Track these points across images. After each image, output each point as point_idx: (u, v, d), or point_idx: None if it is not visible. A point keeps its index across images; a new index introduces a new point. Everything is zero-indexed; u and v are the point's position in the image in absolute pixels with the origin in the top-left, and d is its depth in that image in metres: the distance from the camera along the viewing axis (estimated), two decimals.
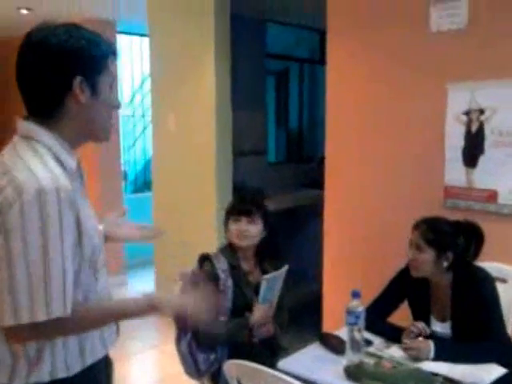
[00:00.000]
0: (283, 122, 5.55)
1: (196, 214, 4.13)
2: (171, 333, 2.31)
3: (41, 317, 1.16)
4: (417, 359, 1.95)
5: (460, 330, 2.13)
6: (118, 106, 1.37)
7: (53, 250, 1.16)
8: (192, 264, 2.42)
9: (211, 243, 3.88)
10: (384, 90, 2.94)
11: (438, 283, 2.18)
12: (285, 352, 2.26)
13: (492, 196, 2.59)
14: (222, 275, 2.23)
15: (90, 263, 1.29)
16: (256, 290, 2.25)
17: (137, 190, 6.37)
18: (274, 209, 4.17)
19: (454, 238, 2.15)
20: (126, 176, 6.11)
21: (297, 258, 3.61)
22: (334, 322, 2.93)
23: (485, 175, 2.61)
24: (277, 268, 2.25)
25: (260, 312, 2.20)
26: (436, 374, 1.84)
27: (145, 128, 6.47)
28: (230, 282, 2.23)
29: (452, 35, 2.66)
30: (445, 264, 2.11)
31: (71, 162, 1.28)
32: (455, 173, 2.70)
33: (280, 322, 2.33)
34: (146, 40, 5.02)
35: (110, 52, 1.31)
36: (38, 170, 1.17)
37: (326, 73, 3.20)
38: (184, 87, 4.09)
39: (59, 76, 1.23)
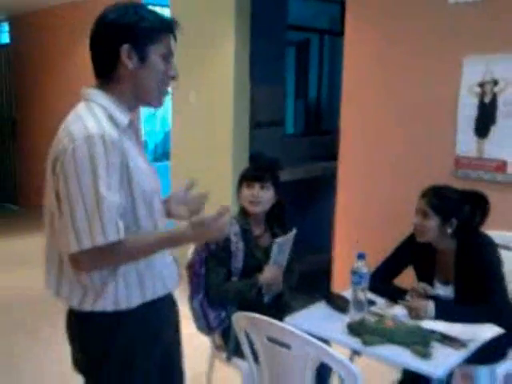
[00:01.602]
0: (302, 93, 5.56)
1: (213, 183, 4.19)
2: (184, 295, 2.42)
3: (100, 241, 1.35)
4: (417, 318, 2.04)
5: (462, 292, 2.21)
6: (173, 77, 1.53)
7: (101, 184, 1.34)
8: None
9: (229, 214, 3.99)
10: (400, 61, 2.97)
11: (443, 248, 2.26)
12: (293, 311, 2.36)
13: (501, 166, 2.63)
14: (233, 238, 2.32)
15: (145, 207, 1.46)
16: (266, 252, 2.34)
17: (156, 159, 6.51)
18: (287, 179, 4.26)
19: (459, 205, 2.22)
20: (146, 145, 6.26)
21: (309, 228, 3.70)
22: (342, 286, 3.03)
23: (495, 146, 2.65)
24: (286, 232, 2.35)
25: (270, 272, 2.30)
26: (434, 332, 1.92)
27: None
28: (241, 245, 2.33)
29: (469, 7, 2.67)
30: (449, 230, 2.19)
31: (123, 119, 1.46)
32: (466, 143, 2.75)
33: (290, 283, 2.44)
34: (167, 11, 5.09)
35: (165, 27, 1.49)
36: (88, 123, 1.38)
37: (343, 43, 3.24)
38: (204, 61, 4.15)
39: (109, 44, 1.45)
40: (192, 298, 2.31)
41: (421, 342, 1.85)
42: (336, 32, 5.57)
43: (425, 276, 2.34)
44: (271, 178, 2.41)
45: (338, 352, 1.60)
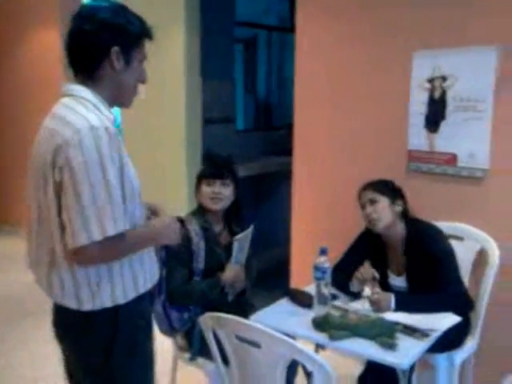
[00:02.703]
0: (251, 89, 5.57)
1: (166, 181, 4.17)
2: None
3: (110, 231, 1.37)
4: (379, 310, 2.08)
5: (414, 282, 2.29)
6: (143, 81, 1.62)
7: (109, 174, 1.37)
8: None
9: (182, 209, 3.95)
10: (351, 57, 3.01)
11: (393, 240, 2.34)
12: (255, 310, 2.35)
13: (451, 159, 2.71)
14: (194, 237, 2.30)
15: (132, 204, 1.48)
16: (226, 250, 2.33)
17: None
18: (242, 175, 4.25)
19: (395, 187, 2.39)
20: None
21: (265, 224, 3.71)
22: (300, 282, 3.05)
23: (445, 139, 2.73)
24: (243, 229, 2.35)
25: (232, 271, 2.28)
26: (397, 323, 1.97)
27: None
28: (202, 244, 2.30)
29: (417, 3, 2.73)
30: (398, 209, 2.31)
31: (109, 114, 1.50)
32: (418, 138, 2.81)
33: (249, 277, 2.43)
34: None
35: (146, 34, 1.58)
36: (87, 115, 1.42)
37: (294, 39, 3.25)
38: (154, 56, 4.06)
39: (102, 43, 1.48)
40: (153, 300, 2.27)
41: (386, 334, 1.89)
42: (284, 28, 5.62)
43: (379, 268, 2.39)
44: (230, 174, 2.40)
45: (309, 349, 1.61)
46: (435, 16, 2.68)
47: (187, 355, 2.30)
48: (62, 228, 1.39)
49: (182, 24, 3.86)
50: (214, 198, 2.35)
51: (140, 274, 1.53)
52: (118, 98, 1.57)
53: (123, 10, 1.56)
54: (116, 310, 1.48)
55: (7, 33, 5.89)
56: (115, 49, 1.49)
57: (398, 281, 2.34)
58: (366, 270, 2.24)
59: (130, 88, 1.58)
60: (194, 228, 2.32)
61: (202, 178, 2.41)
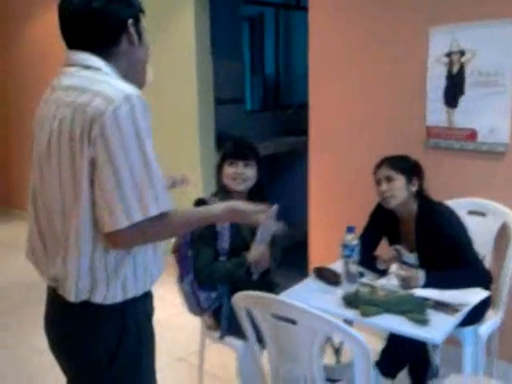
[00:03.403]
0: (259, 69, 5.52)
1: (180, 161, 4.15)
2: (170, 279, 2.40)
3: (153, 211, 1.24)
4: (407, 287, 2.09)
5: (425, 259, 2.30)
6: (148, 57, 1.48)
7: (148, 149, 1.25)
8: (181, 207, 2.49)
9: (197, 189, 3.95)
10: (367, 33, 2.98)
11: (405, 216, 2.35)
12: (280, 289, 2.37)
13: (471, 135, 2.70)
14: None
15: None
16: (251, 229, 2.33)
17: None
18: None
19: (414, 165, 2.37)
20: None
21: (277, 203, 3.71)
22: (319, 259, 3.07)
23: (465, 115, 2.71)
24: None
25: (257, 251, 2.28)
26: (427, 299, 1.98)
27: None
28: (226, 224, 2.30)
29: None
30: (413, 188, 2.30)
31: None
32: (437, 113, 2.80)
33: (274, 257, 2.43)
34: None
35: (141, 6, 1.44)
36: (118, 84, 1.29)
37: (304, 17, 3.21)
38: (163, 36, 4.03)
39: (118, 16, 1.35)
40: (182, 279, 2.28)
41: (416, 310, 1.90)
42: (291, 5, 5.55)
43: (394, 244, 2.43)
44: (253, 155, 2.39)
45: (347, 326, 1.62)
46: None
47: (216, 334, 2.32)
48: (93, 209, 1.26)
49: (190, 3, 3.82)
50: (236, 178, 2.34)
51: (152, 266, 1.40)
52: (135, 77, 1.42)
53: None
54: (125, 304, 1.36)
55: (15, 12, 5.82)
56: (130, 21, 1.36)
57: (410, 258, 2.36)
58: (389, 250, 2.26)
59: (143, 66, 1.45)
60: None
61: (224, 158, 2.40)
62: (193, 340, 2.59)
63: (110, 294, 1.33)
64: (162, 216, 1.27)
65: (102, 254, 1.30)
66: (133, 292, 1.37)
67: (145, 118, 1.26)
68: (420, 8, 2.76)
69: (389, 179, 2.30)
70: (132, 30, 1.37)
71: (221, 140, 4.19)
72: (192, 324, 2.59)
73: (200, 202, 2.38)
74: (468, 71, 2.67)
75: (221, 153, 2.49)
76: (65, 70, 1.38)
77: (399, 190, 2.28)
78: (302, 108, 3.45)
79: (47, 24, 5.16)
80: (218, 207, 1.47)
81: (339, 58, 3.11)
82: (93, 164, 1.23)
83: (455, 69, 2.72)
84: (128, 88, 1.28)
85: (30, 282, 2.89)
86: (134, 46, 1.39)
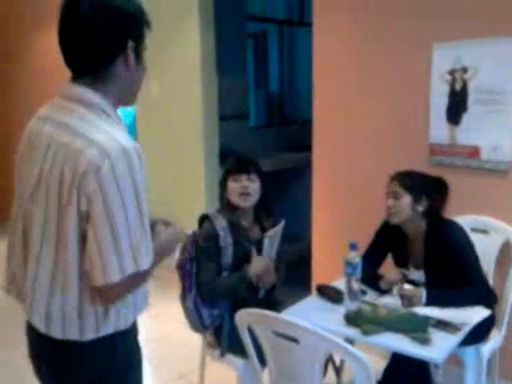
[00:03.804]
0: (263, 85, 5.56)
1: (183, 177, 4.18)
2: (157, 296, 2.38)
3: (144, 266, 1.24)
4: (410, 305, 2.08)
5: (432, 277, 2.29)
6: (145, 76, 1.42)
7: (143, 205, 1.23)
8: (186, 226, 2.49)
9: (200, 205, 3.96)
10: (370, 49, 3.00)
11: (414, 233, 2.34)
12: (282, 306, 2.35)
13: (474, 152, 2.70)
14: (221, 232, 2.30)
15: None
16: (257, 245, 2.33)
17: None
18: None
19: (426, 185, 2.34)
20: None
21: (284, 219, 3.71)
22: (323, 275, 3.06)
23: (467, 132, 2.72)
24: (274, 224, 2.37)
25: (258, 263, 2.28)
26: (429, 318, 1.97)
27: None
28: (229, 239, 2.30)
29: None
30: (420, 209, 2.28)
31: (119, 120, 1.33)
32: (439, 131, 2.80)
33: (279, 273, 2.42)
34: None
35: (148, 23, 1.35)
36: (113, 133, 1.23)
37: (307, 33, 3.24)
38: (168, 52, 4.07)
39: (119, 37, 1.28)
40: (185, 296, 2.28)
41: (418, 329, 1.89)
42: (294, 22, 5.60)
43: (400, 262, 2.43)
44: (256, 169, 2.40)
45: (349, 344, 1.61)
46: (456, 7, 2.67)
47: (216, 352, 2.31)
48: (81, 260, 1.24)
49: (196, 19, 3.86)
50: (242, 193, 2.33)
51: (139, 298, 1.39)
52: (125, 97, 1.37)
53: None
54: (115, 336, 1.34)
55: (16, 35, 5.90)
56: (131, 43, 1.29)
57: (417, 275, 2.34)
58: (395, 274, 2.26)
59: (138, 86, 1.39)
60: (220, 223, 2.31)
61: (228, 174, 2.40)
62: (193, 357, 2.57)
63: (101, 330, 1.32)
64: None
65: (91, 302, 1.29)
66: (123, 324, 1.36)
67: (141, 173, 1.23)
68: (424, 25, 2.78)
69: (395, 196, 2.29)
70: (130, 51, 1.30)
71: (224, 156, 4.21)
72: (193, 340, 2.58)
73: (203, 218, 2.39)
74: (471, 88, 2.68)
75: (223, 169, 2.50)
76: (57, 101, 1.34)
77: (403, 209, 2.27)
78: (306, 124, 3.47)
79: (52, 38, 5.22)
80: (163, 241, 1.43)
81: (343, 74, 3.13)
82: (85, 217, 1.21)
83: (458, 86, 2.73)
84: (125, 139, 1.23)
85: None
86: (130, 68, 1.32)
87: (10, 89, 6.15)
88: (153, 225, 1.42)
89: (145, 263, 1.25)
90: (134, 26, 1.31)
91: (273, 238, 2.30)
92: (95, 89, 1.29)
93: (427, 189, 2.32)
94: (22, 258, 1.36)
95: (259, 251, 2.31)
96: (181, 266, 2.30)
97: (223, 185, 2.42)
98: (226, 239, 2.30)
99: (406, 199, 2.27)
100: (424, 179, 2.36)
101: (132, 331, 1.41)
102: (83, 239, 1.23)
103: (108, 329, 1.32)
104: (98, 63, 1.29)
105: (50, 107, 1.36)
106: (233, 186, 2.36)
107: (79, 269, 1.26)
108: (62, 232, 1.24)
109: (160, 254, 1.37)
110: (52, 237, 1.27)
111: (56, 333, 1.30)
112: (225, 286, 2.28)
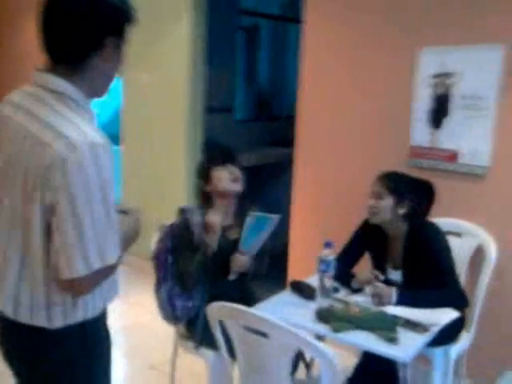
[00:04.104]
0: (251, 79, 5.55)
1: (166, 169, 4.18)
2: (136, 285, 2.39)
3: (111, 260, 1.25)
4: (380, 304, 2.12)
5: (409, 277, 2.33)
6: (121, 70, 1.41)
7: (109, 199, 1.23)
8: (166, 215, 2.49)
9: (181, 197, 3.97)
10: (358, 50, 3.02)
11: (394, 234, 2.37)
12: (257, 299, 2.37)
13: (453, 156, 2.74)
14: (195, 230, 2.28)
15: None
16: (234, 245, 2.27)
17: None
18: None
19: (411, 188, 2.35)
20: None
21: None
22: (299, 272, 3.09)
23: (448, 136, 2.76)
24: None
25: (238, 262, 2.26)
26: (398, 317, 2.00)
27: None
28: (203, 235, 2.27)
29: (426, 0, 2.75)
30: (401, 211, 2.30)
31: (92, 112, 1.33)
32: (421, 134, 2.84)
33: (260, 265, 2.40)
34: None
35: (132, 17, 1.35)
36: (84, 128, 1.22)
37: (298, 30, 3.25)
38: (158, 43, 4.06)
39: (99, 30, 1.27)
40: (159, 287, 2.29)
41: (387, 328, 1.92)
42: (286, 18, 5.60)
43: (378, 261, 2.45)
44: (238, 163, 2.38)
45: (319, 341, 1.64)
46: (442, 13, 2.70)
47: (189, 343, 2.33)
48: (47, 252, 1.25)
49: (187, 10, 3.85)
50: (234, 179, 2.30)
51: (106, 288, 1.39)
52: (99, 90, 1.37)
53: None
54: (84, 324, 1.36)
55: (2, 22, 5.84)
56: (110, 39, 1.29)
57: (395, 274, 2.38)
58: (366, 273, 2.28)
59: (111, 79, 1.39)
60: (196, 219, 2.29)
61: (212, 164, 2.34)
62: (166, 348, 2.59)
63: (69, 319, 1.33)
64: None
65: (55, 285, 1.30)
66: (91, 312, 1.37)
67: (110, 168, 1.22)
68: (411, 28, 2.81)
69: (378, 196, 2.30)
70: (109, 47, 1.30)
71: (207, 148, 4.21)
72: (167, 331, 2.59)
73: (181, 212, 2.37)
74: (454, 93, 2.72)
75: (203, 161, 2.47)
76: (31, 89, 1.33)
77: (384, 210, 2.29)
78: (291, 119, 3.48)
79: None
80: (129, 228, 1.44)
81: (329, 73, 3.15)
82: (50, 210, 1.21)
83: (441, 90, 2.76)
84: (94, 133, 1.23)
85: None
86: (108, 62, 1.32)
87: None
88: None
89: (111, 258, 1.25)
90: (116, 20, 1.30)
91: (259, 224, 2.20)
92: (70, 80, 1.28)
93: (411, 192, 2.32)
94: None
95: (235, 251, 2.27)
96: (156, 257, 2.31)
97: (203, 178, 2.36)
98: (200, 235, 2.27)
99: (388, 201, 2.29)
100: (410, 182, 2.37)
101: (101, 318, 1.42)
102: (49, 231, 1.23)
103: (76, 317, 1.33)
104: (76, 54, 1.28)
105: (21, 94, 1.34)
106: (221, 173, 2.31)
107: (45, 260, 1.26)
108: (27, 222, 1.25)
109: (123, 244, 1.37)
110: (18, 226, 1.27)
111: (24, 319, 1.32)
112: (194, 265, 2.23)
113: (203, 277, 2.26)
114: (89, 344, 1.39)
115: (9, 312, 1.33)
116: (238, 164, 2.38)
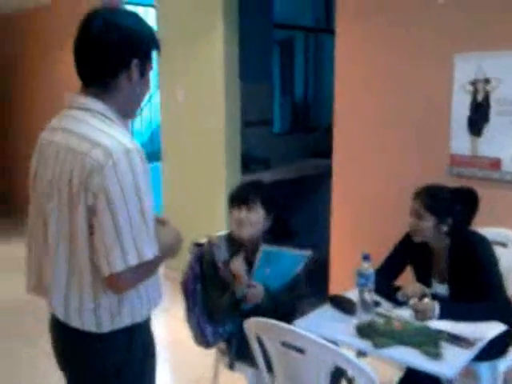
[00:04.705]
0: (288, 91, 5.57)
1: (205, 184, 4.21)
2: (178, 299, 2.41)
3: (147, 256, 1.35)
4: (423, 319, 2.06)
5: (456, 290, 2.26)
6: (149, 92, 1.57)
7: (144, 199, 1.34)
8: (205, 233, 2.50)
9: (221, 212, 3.99)
10: (393, 59, 2.99)
11: (438, 247, 2.30)
12: (299, 316, 2.30)
13: (496, 164, 2.67)
14: (220, 266, 2.26)
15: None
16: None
17: None
18: (279, 178, 4.27)
19: (452, 204, 2.26)
20: None
21: (303, 227, 3.71)
22: (340, 286, 3.05)
23: (489, 143, 2.68)
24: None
25: (251, 294, 2.18)
26: (441, 332, 1.95)
27: (150, 98, 6.50)
28: (228, 272, 2.23)
29: (459, 6, 2.70)
30: (444, 229, 2.23)
31: (125, 128, 1.45)
32: (460, 141, 2.77)
33: (299, 293, 2.35)
34: (151, 11, 5.04)
35: (157, 46, 1.51)
36: (116, 135, 1.36)
37: (334, 41, 3.24)
38: (193, 59, 4.12)
39: (124, 55, 1.42)
40: (188, 314, 2.30)
41: (430, 343, 1.87)
42: (321, 29, 5.60)
43: (423, 275, 2.38)
44: (258, 198, 2.28)
45: (354, 356, 1.61)
46: (478, 18, 2.64)
47: (227, 360, 2.32)
48: (92, 253, 1.36)
49: (220, 27, 3.90)
50: (240, 224, 2.26)
51: (153, 291, 1.50)
52: (127, 109, 1.51)
53: (141, 19, 1.50)
54: (134, 328, 1.45)
55: (34, 53, 6.09)
56: (135, 61, 1.43)
57: (440, 288, 2.32)
58: (415, 288, 2.20)
59: (141, 100, 1.54)
60: (221, 255, 2.27)
61: (229, 203, 2.34)
62: (209, 363, 2.59)
63: (116, 322, 1.42)
64: (152, 260, 1.37)
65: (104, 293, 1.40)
66: (138, 316, 1.46)
67: (144, 171, 1.35)
68: (445, 35, 2.77)
69: (418, 215, 2.23)
70: (134, 68, 1.43)
71: (247, 162, 4.23)
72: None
73: (208, 244, 2.34)
74: (493, 99, 2.65)
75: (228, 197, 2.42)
76: (65, 112, 1.46)
77: (426, 230, 2.23)
78: (330, 130, 3.47)
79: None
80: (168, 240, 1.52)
81: (364, 83, 3.13)
82: (92, 211, 1.33)
83: (480, 97, 2.70)
84: (127, 141, 1.36)
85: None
86: (132, 83, 1.45)
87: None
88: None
89: (147, 254, 1.34)
90: (139, 46, 1.44)
91: (273, 256, 2.10)
92: (100, 98, 1.43)
93: (452, 207, 2.24)
94: (44, 256, 1.46)
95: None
96: (185, 284, 2.31)
97: (230, 212, 2.35)
98: (224, 272, 2.24)
99: (429, 221, 2.21)
100: (450, 196, 2.26)
101: (146, 324, 1.51)
102: (92, 232, 1.35)
103: (123, 321, 1.42)
104: (103, 76, 1.43)
105: (59, 118, 1.48)
106: (234, 215, 2.29)
107: (91, 263, 1.36)
108: (74, 228, 1.36)
109: (167, 255, 1.48)
110: (66, 234, 1.38)
111: (75, 323, 1.41)
112: (224, 306, 2.22)
113: (233, 315, 2.25)
114: (137, 348, 1.47)
115: (60, 315, 1.42)
116: (259, 201, 2.27)
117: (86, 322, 1.40)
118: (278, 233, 2.33)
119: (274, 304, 2.21)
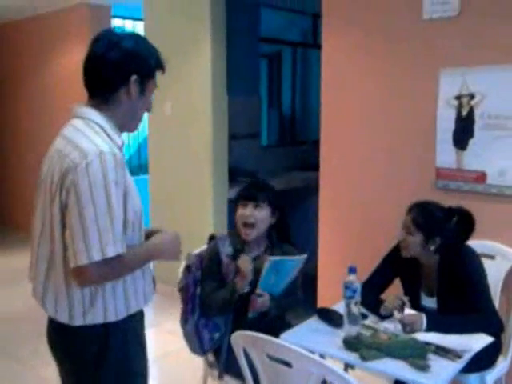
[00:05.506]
0: (276, 105, 5.60)
1: (193, 196, 4.21)
2: (170, 312, 2.41)
3: (110, 253, 1.41)
4: (410, 331, 2.06)
5: (445, 304, 2.26)
6: (150, 110, 1.66)
7: (113, 198, 1.42)
8: (192, 245, 2.50)
9: (208, 225, 3.98)
10: (378, 73, 3.02)
11: (426, 262, 2.31)
12: (286, 328, 2.30)
13: (481, 177, 2.69)
14: (224, 259, 2.29)
15: (132, 227, 1.52)
16: (256, 271, 2.23)
17: (132, 173, 6.41)
18: None
19: (443, 224, 2.26)
20: None
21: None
22: (328, 298, 3.05)
23: (474, 157, 2.71)
24: (289, 254, 2.26)
25: (255, 303, 2.20)
26: (429, 344, 1.95)
27: None
28: (232, 267, 2.27)
29: (444, 23, 2.74)
30: (432, 248, 2.24)
31: (118, 139, 1.55)
32: (446, 155, 2.80)
33: (298, 298, 2.38)
34: (140, 24, 5.05)
35: (161, 66, 1.63)
36: (96, 140, 1.47)
37: (320, 56, 3.27)
38: (180, 72, 4.13)
39: (123, 72, 1.54)
40: (186, 320, 2.28)
41: (418, 355, 1.87)
42: (308, 44, 5.66)
43: (411, 288, 2.38)
44: (266, 197, 2.33)
45: (341, 369, 1.61)
46: (463, 33, 2.68)
47: (215, 372, 2.31)
48: (65, 247, 1.45)
49: (208, 40, 3.92)
50: (245, 223, 2.29)
51: (132, 295, 1.56)
52: (127, 124, 1.61)
53: (144, 40, 1.62)
54: (107, 326, 1.52)
55: (36, 50, 6.05)
56: (134, 78, 1.54)
57: (429, 301, 2.32)
58: (394, 299, 2.20)
59: (139, 116, 1.64)
60: (225, 250, 2.30)
61: (237, 200, 2.38)
62: (198, 376, 2.57)
63: (88, 318, 1.50)
64: (118, 257, 1.44)
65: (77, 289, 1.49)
66: (112, 316, 1.52)
67: (116, 173, 1.43)
68: (431, 50, 2.80)
69: (407, 230, 2.24)
70: (133, 85, 1.54)
71: (234, 175, 4.23)
72: (199, 360, 2.58)
73: (212, 238, 2.39)
74: (478, 114, 2.68)
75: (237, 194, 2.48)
76: (71, 120, 1.58)
77: (413, 246, 2.24)
78: (317, 143, 3.49)
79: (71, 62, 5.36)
80: (157, 241, 1.61)
81: (351, 96, 3.15)
82: (64, 207, 1.43)
83: (465, 111, 2.73)
84: (104, 145, 1.45)
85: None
86: (131, 99, 1.56)
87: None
88: (148, 234, 1.62)
89: (110, 251, 1.41)
90: (138, 63, 1.55)
91: (279, 265, 2.16)
92: (99, 109, 1.55)
93: (443, 227, 2.24)
94: (32, 251, 1.59)
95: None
96: (184, 289, 2.30)
97: (235, 211, 2.38)
98: (228, 266, 2.27)
99: (417, 238, 2.22)
100: (442, 216, 2.26)
101: (128, 323, 1.55)
102: (64, 229, 1.44)
103: (95, 318, 1.49)
104: (103, 89, 1.55)
105: (65, 125, 1.59)
106: (239, 213, 2.34)
107: (65, 258, 1.46)
108: (52, 225, 1.48)
109: (151, 252, 1.58)
110: (47, 229, 1.50)
111: (51, 314, 1.53)
112: (219, 300, 2.24)
113: (226, 311, 2.26)
114: (113, 351, 1.52)
115: (40, 303, 1.54)
116: (267, 200, 2.32)
117: (60, 314, 1.50)
118: (278, 233, 2.39)
119: (281, 310, 2.29)
